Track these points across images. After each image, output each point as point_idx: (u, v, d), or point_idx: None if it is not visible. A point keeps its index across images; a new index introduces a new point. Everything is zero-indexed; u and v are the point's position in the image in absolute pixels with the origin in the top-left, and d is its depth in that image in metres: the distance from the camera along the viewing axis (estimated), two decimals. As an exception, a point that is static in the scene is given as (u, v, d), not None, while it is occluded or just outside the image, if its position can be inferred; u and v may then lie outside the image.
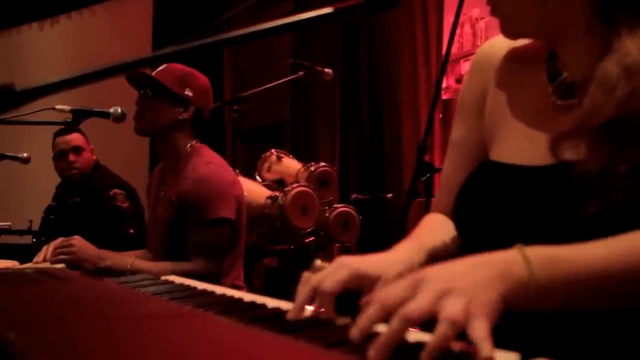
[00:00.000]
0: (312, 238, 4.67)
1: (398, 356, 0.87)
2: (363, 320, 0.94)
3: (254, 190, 4.55)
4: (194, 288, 1.61)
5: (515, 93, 1.34)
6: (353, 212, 4.65)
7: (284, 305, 1.29)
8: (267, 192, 4.58)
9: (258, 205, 4.45)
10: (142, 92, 3.05)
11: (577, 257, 0.99)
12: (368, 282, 1.19)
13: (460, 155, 1.48)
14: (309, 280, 1.18)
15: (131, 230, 4.56)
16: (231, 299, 1.41)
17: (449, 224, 1.44)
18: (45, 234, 4.84)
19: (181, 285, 1.69)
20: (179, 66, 3.09)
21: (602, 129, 1.11)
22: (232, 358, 0.84)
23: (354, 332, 0.92)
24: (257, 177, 4.96)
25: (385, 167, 6.22)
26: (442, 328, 0.86)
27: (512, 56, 1.40)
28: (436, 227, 1.45)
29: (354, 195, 5.42)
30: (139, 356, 0.85)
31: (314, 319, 1.16)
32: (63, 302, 1.37)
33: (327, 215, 4.58)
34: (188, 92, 3.04)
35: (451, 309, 0.87)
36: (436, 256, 1.34)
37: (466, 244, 1.33)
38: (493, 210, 1.24)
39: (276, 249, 5.01)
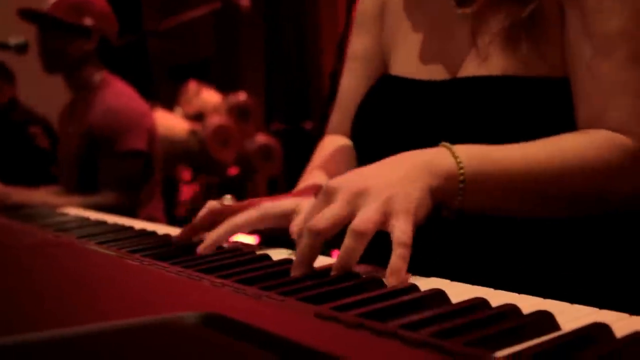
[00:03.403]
0: (236, 170, 4.62)
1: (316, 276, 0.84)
2: (297, 257, 0.87)
3: (174, 124, 4.47)
4: (87, 219, 1.56)
5: (416, 5, 1.29)
6: (273, 143, 4.60)
7: (174, 231, 1.25)
8: (187, 126, 4.50)
9: (179, 139, 4.37)
10: (40, 28, 2.91)
11: (507, 152, 0.96)
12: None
13: (359, 68, 1.40)
14: (212, 206, 1.13)
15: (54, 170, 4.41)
16: (121, 227, 1.37)
17: (349, 147, 1.38)
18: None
19: (74, 216, 1.64)
20: None
21: None
22: (84, 284, 0.79)
23: (294, 272, 0.86)
24: (178, 111, 4.86)
25: (309, 97, 6.17)
26: (347, 241, 0.82)
27: None
28: (338, 153, 1.39)
29: (273, 126, 5.36)
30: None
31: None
32: None
33: (248, 147, 4.52)
34: (87, 21, 2.90)
35: (361, 217, 0.82)
36: None
37: (364, 163, 1.28)
38: (392, 128, 1.19)
39: (202, 181, 4.96)
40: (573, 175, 0.97)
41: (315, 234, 0.84)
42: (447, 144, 0.94)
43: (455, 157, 0.92)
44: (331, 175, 1.28)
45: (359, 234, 0.81)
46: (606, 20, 1.00)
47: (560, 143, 0.98)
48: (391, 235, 0.82)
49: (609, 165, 0.97)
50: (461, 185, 0.91)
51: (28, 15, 2.88)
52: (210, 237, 1.07)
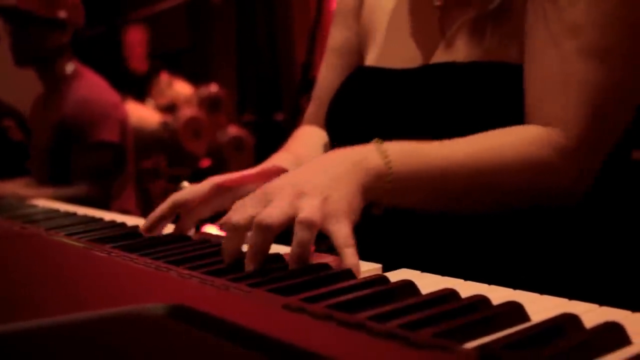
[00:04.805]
0: (208, 162, 4.61)
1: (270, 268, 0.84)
2: (223, 248, 0.88)
3: (146, 116, 4.44)
4: (56, 210, 1.55)
5: None
6: (245, 135, 4.59)
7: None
8: (159, 118, 4.48)
9: (150, 130, 4.35)
10: (12, 23, 2.87)
11: (436, 151, 0.97)
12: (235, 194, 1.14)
13: (336, 62, 1.41)
14: (171, 197, 1.14)
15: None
16: (91, 219, 1.36)
17: (321, 135, 1.38)
18: None
19: (43, 208, 1.62)
20: None
21: None
22: (52, 276, 0.78)
23: (248, 267, 0.85)
24: (150, 102, 4.84)
25: (280, 89, 6.15)
26: (299, 233, 0.82)
27: None
28: (308, 139, 1.40)
29: (245, 117, 5.34)
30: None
31: (172, 237, 1.10)
32: None
33: (220, 138, 4.51)
34: (61, 13, 2.86)
35: (306, 210, 0.83)
36: None
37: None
38: (365, 116, 1.20)
39: (173, 173, 4.93)
40: (498, 173, 0.97)
41: (266, 229, 0.83)
42: (379, 141, 0.95)
43: (385, 157, 0.93)
44: (297, 156, 1.28)
45: (309, 224, 0.82)
46: (560, 11, 1.00)
47: (488, 141, 0.99)
48: (333, 240, 0.83)
49: (537, 163, 0.98)
50: (389, 185, 0.93)
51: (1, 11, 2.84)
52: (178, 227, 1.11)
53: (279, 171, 1.15)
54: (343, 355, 0.48)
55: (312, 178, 0.88)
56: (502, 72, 1.05)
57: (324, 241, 0.88)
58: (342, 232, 0.83)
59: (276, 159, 1.27)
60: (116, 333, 0.55)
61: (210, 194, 1.13)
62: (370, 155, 0.93)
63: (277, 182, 0.90)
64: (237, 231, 0.87)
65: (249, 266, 0.84)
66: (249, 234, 0.86)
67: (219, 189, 1.13)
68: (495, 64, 1.06)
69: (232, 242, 0.88)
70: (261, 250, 0.84)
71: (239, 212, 0.88)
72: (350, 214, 0.85)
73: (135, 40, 5.18)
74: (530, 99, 1.02)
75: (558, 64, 0.99)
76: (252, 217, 0.85)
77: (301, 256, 0.82)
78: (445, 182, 0.97)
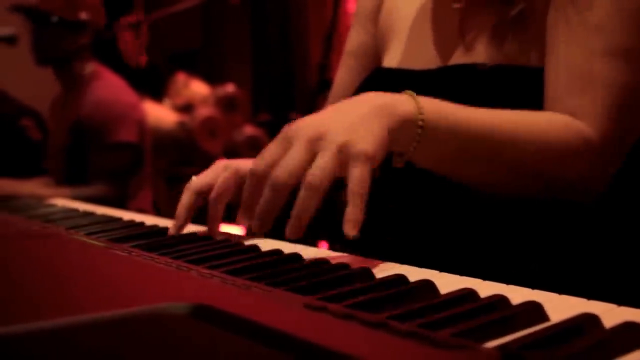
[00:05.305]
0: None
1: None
2: (243, 201, 0.88)
3: (162, 115, 4.46)
4: (75, 210, 1.56)
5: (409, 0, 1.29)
6: (261, 134, 4.60)
7: (162, 222, 1.25)
8: (176, 118, 4.49)
9: (167, 130, 4.36)
10: (34, 23, 2.88)
11: (469, 112, 0.95)
12: None
13: (354, 64, 1.41)
14: (189, 186, 1.15)
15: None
16: (110, 218, 1.36)
17: None
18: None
19: (63, 207, 1.63)
20: None
21: None
22: (73, 275, 0.78)
23: (255, 229, 0.85)
24: (167, 102, 4.85)
25: (295, 88, 6.16)
26: (301, 194, 0.81)
27: None
28: None
29: (260, 117, 5.34)
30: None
31: (192, 236, 1.11)
32: None
33: (236, 138, 4.52)
34: (83, 15, 2.87)
35: (315, 167, 0.81)
36: None
37: None
38: None
39: (188, 173, 4.93)
40: (526, 144, 0.96)
41: (277, 188, 0.83)
42: (411, 92, 0.92)
43: (417, 103, 0.90)
44: None
45: (313, 188, 0.81)
46: (587, 10, 0.99)
47: (523, 115, 0.98)
48: (348, 182, 0.81)
49: (564, 146, 0.97)
50: (419, 131, 0.89)
51: (22, 10, 2.86)
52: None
53: None
54: (365, 354, 0.49)
55: (338, 118, 0.86)
56: (521, 75, 1.05)
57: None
58: (356, 177, 0.81)
59: None
60: (139, 332, 0.56)
61: (232, 175, 1.12)
62: (401, 101, 0.90)
63: (298, 124, 0.87)
64: (256, 179, 0.87)
65: (255, 228, 0.84)
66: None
67: (237, 171, 1.13)
68: (515, 67, 1.06)
69: (247, 194, 0.88)
70: (270, 211, 0.84)
71: (260, 158, 0.87)
72: (372, 154, 0.82)
73: (127, 39, 5.17)
74: (552, 92, 1.01)
75: (583, 60, 0.99)
76: (271, 165, 0.85)
77: (300, 219, 0.81)
78: (474, 141, 0.94)
